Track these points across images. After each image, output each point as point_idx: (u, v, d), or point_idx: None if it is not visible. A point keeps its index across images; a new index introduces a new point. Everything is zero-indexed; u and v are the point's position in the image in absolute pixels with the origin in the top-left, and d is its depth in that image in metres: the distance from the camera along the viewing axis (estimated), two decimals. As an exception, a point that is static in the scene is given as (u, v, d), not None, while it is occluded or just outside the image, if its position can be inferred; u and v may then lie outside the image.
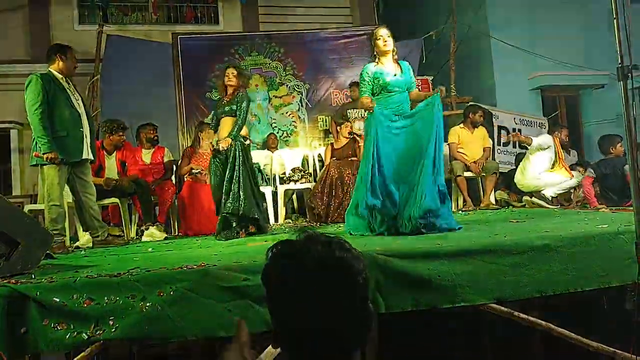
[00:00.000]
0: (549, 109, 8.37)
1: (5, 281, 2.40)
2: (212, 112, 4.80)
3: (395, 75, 3.87)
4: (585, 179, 5.52)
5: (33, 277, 2.57)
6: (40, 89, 3.93)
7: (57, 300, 2.23)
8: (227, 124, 4.44)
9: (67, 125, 4.05)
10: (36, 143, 3.99)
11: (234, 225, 4.29)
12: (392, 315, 2.44)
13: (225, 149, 4.33)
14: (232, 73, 4.54)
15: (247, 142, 4.57)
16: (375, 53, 3.94)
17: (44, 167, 4.01)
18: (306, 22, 8.43)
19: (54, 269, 2.88)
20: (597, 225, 3.22)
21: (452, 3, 7.76)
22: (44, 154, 3.91)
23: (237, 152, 4.32)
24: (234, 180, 4.26)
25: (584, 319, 2.49)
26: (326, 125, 7.29)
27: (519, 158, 6.22)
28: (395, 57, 3.98)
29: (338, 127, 6.11)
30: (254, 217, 4.36)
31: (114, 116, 5.60)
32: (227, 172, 4.31)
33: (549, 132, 6.11)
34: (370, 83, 3.86)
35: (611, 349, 2.24)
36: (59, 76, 4.13)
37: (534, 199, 5.55)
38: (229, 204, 4.23)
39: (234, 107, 4.42)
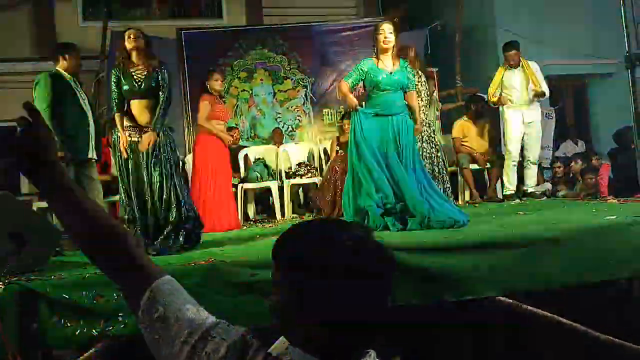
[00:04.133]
0: (556, 98, 8.29)
1: (15, 279, 2.42)
2: (113, 91, 3.57)
3: (390, 73, 3.80)
4: (602, 167, 5.45)
5: (43, 274, 2.59)
6: (49, 87, 3.98)
7: (67, 297, 2.26)
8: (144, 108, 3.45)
9: (74, 124, 4.09)
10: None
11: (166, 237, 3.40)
12: (398, 308, 2.44)
13: (149, 147, 3.35)
14: (134, 34, 3.51)
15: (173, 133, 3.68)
16: (374, 48, 3.86)
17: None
18: (311, 15, 8.39)
19: (64, 266, 2.89)
20: (606, 217, 3.20)
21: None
22: (52, 152, 3.95)
23: (164, 147, 3.41)
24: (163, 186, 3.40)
25: (591, 312, 2.48)
26: (331, 119, 7.27)
27: None
28: (394, 52, 3.87)
29: (342, 121, 6.10)
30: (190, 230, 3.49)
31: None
32: (147, 174, 3.40)
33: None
34: (359, 76, 3.82)
35: (619, 341, 2.24)
36: (66, 75, 4.16)
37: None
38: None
39: (153, 83, 3.42)
